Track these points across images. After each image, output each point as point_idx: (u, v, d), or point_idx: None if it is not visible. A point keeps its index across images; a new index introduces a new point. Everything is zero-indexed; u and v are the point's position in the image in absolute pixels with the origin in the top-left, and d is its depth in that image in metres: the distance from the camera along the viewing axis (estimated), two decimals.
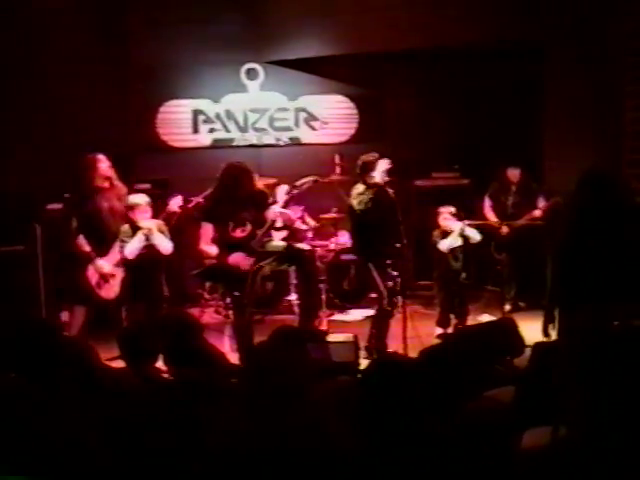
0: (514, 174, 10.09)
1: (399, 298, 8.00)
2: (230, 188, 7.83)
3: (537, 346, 5.58)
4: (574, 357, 4.20)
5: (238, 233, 7.88)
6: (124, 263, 8.15)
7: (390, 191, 7.93)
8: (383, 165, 7.91)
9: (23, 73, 10.34)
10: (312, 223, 10.23)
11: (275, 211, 7.98)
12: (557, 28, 9.94)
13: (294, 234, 9.59)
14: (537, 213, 9.76)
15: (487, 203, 10.19)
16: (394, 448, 3.35)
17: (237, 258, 7.80)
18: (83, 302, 8.40)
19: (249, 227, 7.90)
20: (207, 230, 7.87)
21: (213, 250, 7.87)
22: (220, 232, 7.85)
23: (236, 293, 7.80)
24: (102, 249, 8.26)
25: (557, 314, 6.11)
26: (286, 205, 8.21)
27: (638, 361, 3.42)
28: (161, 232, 8.09)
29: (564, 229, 6.06)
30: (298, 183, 8.23)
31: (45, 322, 4.36)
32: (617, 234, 5.91)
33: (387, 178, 7.94)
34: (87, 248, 8.26)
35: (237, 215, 7.86)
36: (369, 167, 8.00)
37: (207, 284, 10.12)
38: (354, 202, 8.03)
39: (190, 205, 8.51)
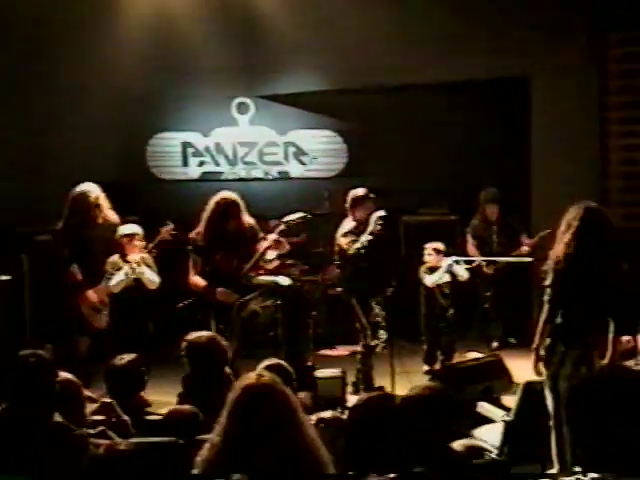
0: (492, 212, 10.06)
1: (383, 334, 7.99)
2: (218, 221, 7.79)
3: (526, 386, 5.60)
4: (561, 399, 4.21)
5: (225, 266, 7.83)
6: (110, 295, 8.10)
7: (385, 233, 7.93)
8: (376, 216, 7.92)
9: (8, 104, 10.37)
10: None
11: (266, 241, 7.93)
12: (542, 62, 10.07)
13: (283, 267, 9.51)
14: (524, 250, 9.75)
15: (470, 241, 10.17)
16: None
17: (223, 293, 7.75)
18: (84, 332, 8.34)
19: (236, 261, 7.84)
20: (196, 262, 7.84)
21: (201, 282, 7.81)
22: (209, 265, 7.82)
23: (220, 326, 7.75)
24: (93, 279, 8.22)
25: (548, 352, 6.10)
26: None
27: (627, 403, 3.42)
28: (148, 266, 8.06)
29: (561, 267, 6.06)
30: (287, 219, 8.22)
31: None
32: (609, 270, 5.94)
33: (379, 227, 7.91)
34: (79, 277, 8.21)
35: (225, 248, 7.82)
36: (358, 202, 8.03)
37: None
38: (343, 241, 8.04)
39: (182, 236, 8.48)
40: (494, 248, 10.06)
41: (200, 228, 7.85)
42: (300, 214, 8.51)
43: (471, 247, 10.13)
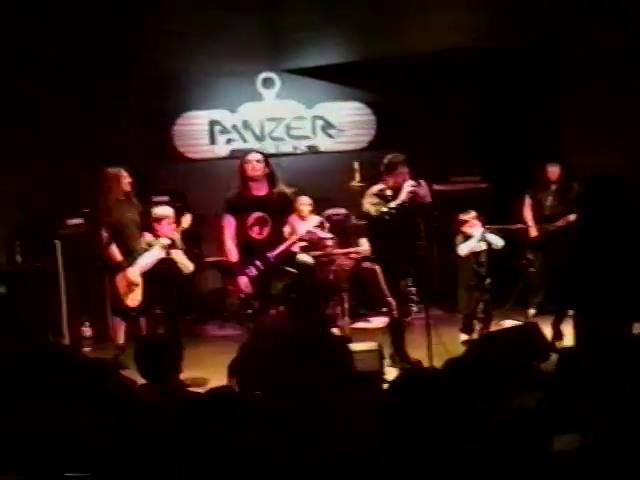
0: (553, 171, 9.88)
1: (414, 306, 7.91)
2: (252, 185, 7.75)
3: (563, 352, 5.52)
4: (592, 364, 4.16)
5: (255, 233, 7.78)
6: (143, 274, 8.11)
7: (423, 199, 7.81)
8: (408, 187, 7.79)
9: (37, 88, 10.34)
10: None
11: (304, 229, 7.94)
12: (571, 32, 9.92)
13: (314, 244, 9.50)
14: (572, 217, 9.53)
15: (527, 202, 10.04)
16: (421, 459, 3.30)
17: (241, 282, 7.74)
18: (122, 313, 8.39)
19: (267, 229, 7.79)
20: (229, 223, 7.79)
21: (234, 255, 7.77)
22: (239, 229, 7.78)
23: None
24: (128, 260, 8.24)
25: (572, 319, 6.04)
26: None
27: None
28: (179, 249, 8.07)
29: (577, 234, 5.98)
30: (330, 212, 8.19)
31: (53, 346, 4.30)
32: (628, 241, 5.83)
33: (411, 195, 7.80)
34: (119, 258, 8.24)
35: (257, 214, 7.77)
36: (394, 168, 7.92)
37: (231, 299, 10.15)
38: (369, 207, 7.93)
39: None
40: (546, 210, 9.91)
41: (235, 191, 7.81)
42: (343, 210, 8.54)
43: (526, 209, 10.02)
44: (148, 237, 8.08)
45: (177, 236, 8.06)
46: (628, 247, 5.79)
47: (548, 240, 9.76)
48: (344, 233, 10.21)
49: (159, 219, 8.05)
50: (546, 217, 9.84)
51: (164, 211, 8.15)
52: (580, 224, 5.96)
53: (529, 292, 9.95)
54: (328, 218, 8.99)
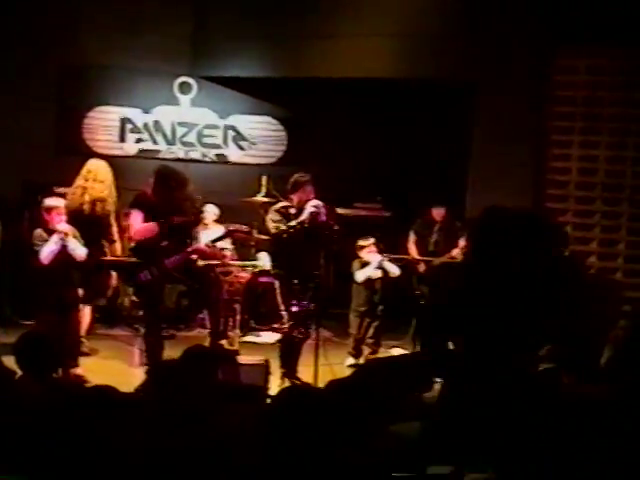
0: (439, 213, 10.15)
1: (308, 325, 7.93)
2: (164, 190, 7.71)
3: (445, 383, 5.60)
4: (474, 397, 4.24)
5: (157, 239, 7.72)
6: (38, 268, 7.95)
7: (327, 220, 7.86)
8: (310, 207, 7.84)
9: None
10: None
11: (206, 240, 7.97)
12: (488, 71, 10.09)
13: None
14: (455, 253, 9.81)
15: (412, 237, 10.24)
16: (297, 474, 3.32)
17: (145, 276, 7.69)
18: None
19: (169, 239, 7.74)
20: (136, 217, 7.72)
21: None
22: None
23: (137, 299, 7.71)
24: None
25: None
26: (214, 242, 8.20)
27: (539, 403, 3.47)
28: (74, 237, 7.96)
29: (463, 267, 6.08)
30: (233, 228, 8.24)
31: None
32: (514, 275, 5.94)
33: (312, 216, 7.85)
34: None
35: (161, 220, 7.70)
36: (300, 187, 7.97)
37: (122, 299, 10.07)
38: (270, 223, 7.97)
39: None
40: (430, 247, 10.14)
41: (145, 190, 7.77)
42: (244, 227, 8.59)
43: (411, 244, 10.20)
44: (39, 231, 7.93)
45: (66, 226, 7.93)
46: (515, 282, 5.90)
47: (433, 275, 9.96)
48: (243, 246, 10.22)
49: (49, 209, 7.93)
50: (430, 253, 10.05)
51: (53, 202, 8.03)
52: (468, 258, 6.04)
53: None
54: (229, 232, 8.99)
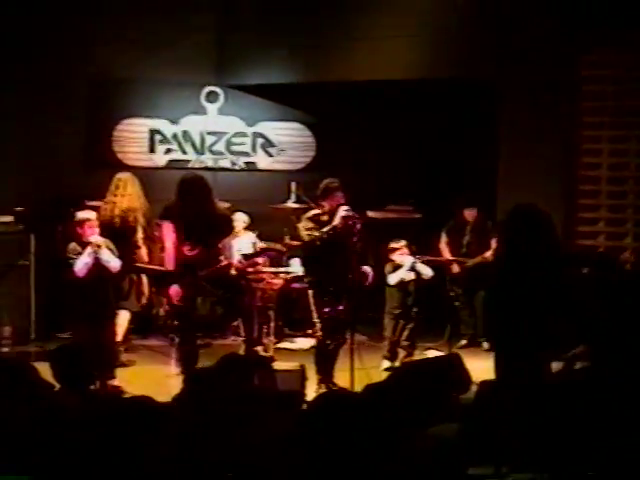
0: (471, 214, 10.15)
1: (343, 330, 7.91)
2: (190, 199, 7.71)
3: (483, 384, 5.59)
4: (512, 398, 4.22)
5: (186, 250, 7.72)
6: (73, 281, 7.99)
7: (354, 225, 7.84)
8: (341, 212, 7.84)
9: None
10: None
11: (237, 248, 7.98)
12: (514, 69, 10.04)
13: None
14: (488, 255, 9.75)
15: (443, 239, 10.23)
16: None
17: (173, 291, 7.73)
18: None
19: (199, 248, 7.73)
20: (169, 229, 7.75)
21: (172, 263, 7.74)
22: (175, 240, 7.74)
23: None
24: None
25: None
26: (249, 258, 8.21)
27: (575, 403, 3.44)
28: (109, 249, 7.99)
29: (495, 268, 6.06)
30: (265, 245, 8.29)
31: None
32: (546, 273, 5.90)
33: (344, 220, 7.84)
34: None
35: (190, 230, 7.72)
36: (330, 193, 7.96)
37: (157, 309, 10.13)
38: (302, 232, 7.97)
39: None
40: (462, 248, 10.11)
41: (173, 202, 7.78)
42: (278, 246, 8.64)
43: (443, 245, 10.19)
44: (73, 245, 7.96)
45: (99, 238, 7.96)
46: (545, 281, 5.87)
47: (466, 276, 9.94)
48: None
49: (81, 222, 7.96)
50: (463, 254, 10.05)
51: (85, 215, 8.06)
52: (499, 255, 6.02)
53: (459, 324, 10.08)
54: (262, 251, 9.04)
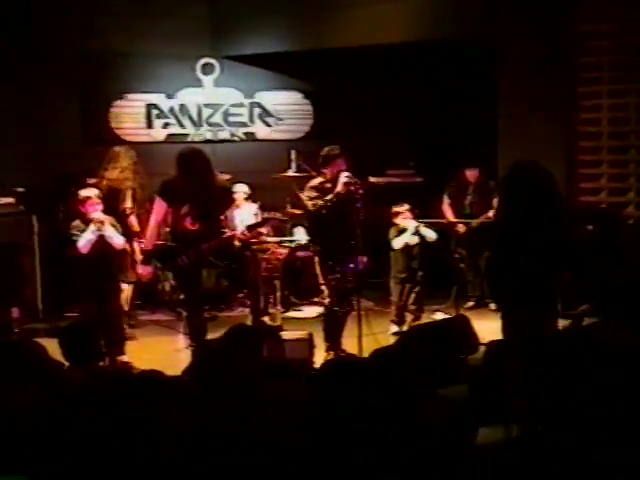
0: (472, 174, 10.15)
1: (350, 296, 7.91)
2: (190, 173, 7.66)
3: (491, 344, 5.60)
4: (519, 356, 4.23)
5: (188, 224, 7.69)
6: (77, 258, 7.99)
7: (356, 190, 7.81)
8: (343, 178, 7.81)
9: None
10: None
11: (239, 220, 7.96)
12: (510, 27, 9.97)
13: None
14: (491, 214, 9.73)
15: (446, 201, 10.24)
16: (347, 447, 3.32)
17: (143, 270, 7.81)
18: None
19: (200, 222, 7.70)
20: (159, 206, 7.72)
21: (150, 242, 7.71)
22: (173, 216, 7.70)
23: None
24: None
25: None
26: (250, 230, 8.16)
27: (581, 362, 3.44)
28: (113, 226, 8.00)
29: (496, 226, 6.05)
30: (268, 215, 8.27)
31: None
32: (546, 227, 5.88)
33: (346, 187, 7.81)
34: None
35: (191, 204, 7.68)
36: (331, 160, 7.94)
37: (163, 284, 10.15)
38: (307, 202, 7.95)
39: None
40: (466, 209, 10.11)
41: (172, 176, 7.74)
42: (278, 214, 8.60)
43: (446, 207, 10.19)
44: (76, 222, 7.96)
45: (102, 215, 7.95)
46: (545, 237, 5.86)
47: (472, 236, 9.93)
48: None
49: (83, 200, 7.96)
50: (466, 215, 10.05)
51: (87, 192, 8.06)
52: (500, 213, 6.00)
53: (466, 285, 10.09)
54: (265, 221, 9.02)
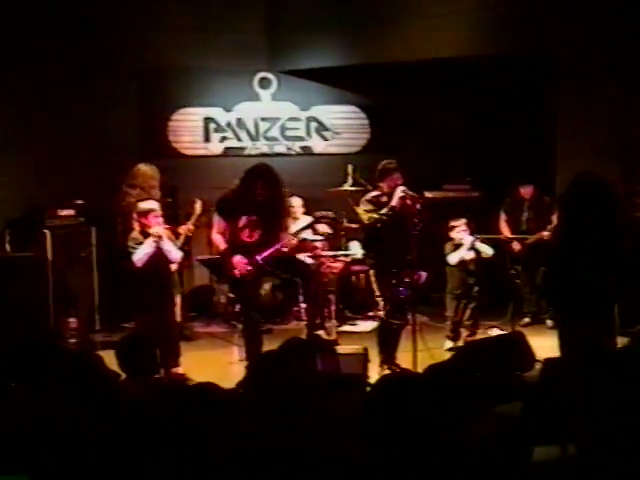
0: (527, 191, 10.06)
1: (405, 311, 7.88)
2: (249, 188, 7.73)
3: (547, 361, 5.54)
4: (577, 374, 4.16)
5: (245, 236, 7.76)
6: (133, 270, 8.05)
7: (413, 205, 7.79)
8: (399, 192, 7.80)
9: (31, 79, 10.29)
10: (326, 230, 10.18)
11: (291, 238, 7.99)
12: (571, 41, 9.88)
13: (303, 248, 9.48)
14: (545, 234, 9.62)
15: (502, 217, 10.15)
16: (402, 463, 3.30)
17: (238, 261, 7.73)
18: None
19: (258, 233, 7.77)
20: (218, 222, 7.80)
21: (221, 244, 7.81)
22: (230, 229, 7.77)
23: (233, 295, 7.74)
24: None
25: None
26: (298, 232, 8.19)
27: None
28: (170, 240, 8.04)
29: (557, 238, 5.97)
30: (318, 214, 8.25)
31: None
32: (609, 242, 5.80)
33: (402, 201, 7.80)
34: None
35: (248, 217, 7.75)
36: (388, 174, 7.93)
37: (218, 297, 10.21)
38: (362, 215, 7.94)
39: None
40: (522, 225, 10.03)
41: (231, 189, 7.81)
42: (330, 213, 8.58)
43: (502, 223, 10.12)
44: (134, 234, 8.00)
45: (161, 229, 7.99)
46: (608, 252, 5.78)
47: (527, 253, 9.84)
48: (335, 236, 10.24)
49: (145, 213, 7.99)
50: (522, 232, 9.95)
51: (149, 205, 8.10)
52: (560, 228, 5.92)
53: (522, 302, 9.99)
54: (315, 220, 9.03)
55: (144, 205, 8.10)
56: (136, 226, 8.01)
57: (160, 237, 7.87)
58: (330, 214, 9.56)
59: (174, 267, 8.52)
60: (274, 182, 7.78)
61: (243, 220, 7.70)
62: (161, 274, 8.01)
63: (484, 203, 10.53)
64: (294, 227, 9.03)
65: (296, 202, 9.94)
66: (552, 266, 6.14)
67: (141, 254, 7.82)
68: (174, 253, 8.00)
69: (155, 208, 8.01)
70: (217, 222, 7.81)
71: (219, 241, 7.84)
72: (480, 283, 9.01)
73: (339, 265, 9.99)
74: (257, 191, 7.67)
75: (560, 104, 10.15)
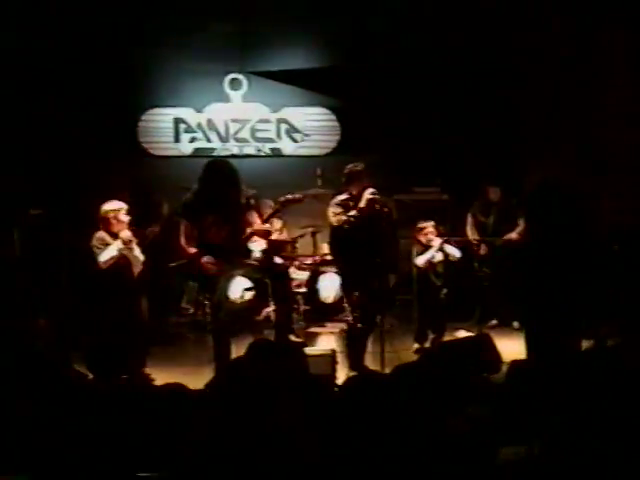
0: (495, 192, 10.09)
1: (373, 313, 7.91)
2: (209, 185, 7.68)
3: (513, 364, 5.59)
4: (543, 376, 4.21)
5: (212, 235, 7.71)
6: (97, 272, 7.96)
7: (381, 208, 7.81)
8: (367, 194, 7.83)
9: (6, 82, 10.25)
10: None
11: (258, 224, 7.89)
12: (533, 47, 9.98)
13: (274, 247, 9.48)
14: (513, 236, 9.70)
15: (470, 220, 10.19)
16: (367, 463, 3.32)
17: (207, 260, 7.69)
18: None
19: (225, 230, 7.72)
20: (185, 227, 7.73)
21: (191, 248, 7.72)
22: (198, 231, 7.71)
23: (207, 295, 7.69)
24: None
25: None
26: (268, 219, 8.14)
27: (606, 381, 3.42)
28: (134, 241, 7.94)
29: (525, 240, 6.04)
30: (282, 199, 8.15)
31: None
32: (576, 244, 5.86)
33: (370, 203, 7.81)
34: None
35: (213, 215, 7.72)
36: (355, 177, 7.96)
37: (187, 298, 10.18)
38: (332, 216, 7.97)
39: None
40: (489, 228, 10.07)
41: (193, 191, 7.74)
42: (297, 194, 8.50)
43: (469, 226, 10.15)
44: (101, 234, 7.90)
45: (129, 233, 7.90)
46: (574, 254, 5.84)
47: (494, 256, 9.89)
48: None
49: (114, 212, 7.88)
50: (490, 234, 10.00)
51: (116, 205, 7.97)
52: (528, 230, 6.00)
53: (489, 304, 10.05)
54: (284, 204, 8.88)
55: (110, 205, 7.98)
56: (102, 226, 7.93)
57: (130, 242, 7.79)
58: (297, 195, 9.43)
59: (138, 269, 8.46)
60: (232, 177, 7.71)
61: (208, 220, 7.65)
62: (126, 274, 7.92)
63: (454, 206, 10.58)
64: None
65: (267, 204, 9.94)
66: (519, 268, 6.20)
67: (107, 257, 7.74)
68: (140, 258, 7.91)
69: (122, 208, 7.92)
70: (184, 227, 7.73)
71: (188, 245, 7.75)
72: (448, 285, 9.04)
73: (308, 267, 10.02)
74: (217, 187, 7.60)
75: (529, 107, 10.24)
